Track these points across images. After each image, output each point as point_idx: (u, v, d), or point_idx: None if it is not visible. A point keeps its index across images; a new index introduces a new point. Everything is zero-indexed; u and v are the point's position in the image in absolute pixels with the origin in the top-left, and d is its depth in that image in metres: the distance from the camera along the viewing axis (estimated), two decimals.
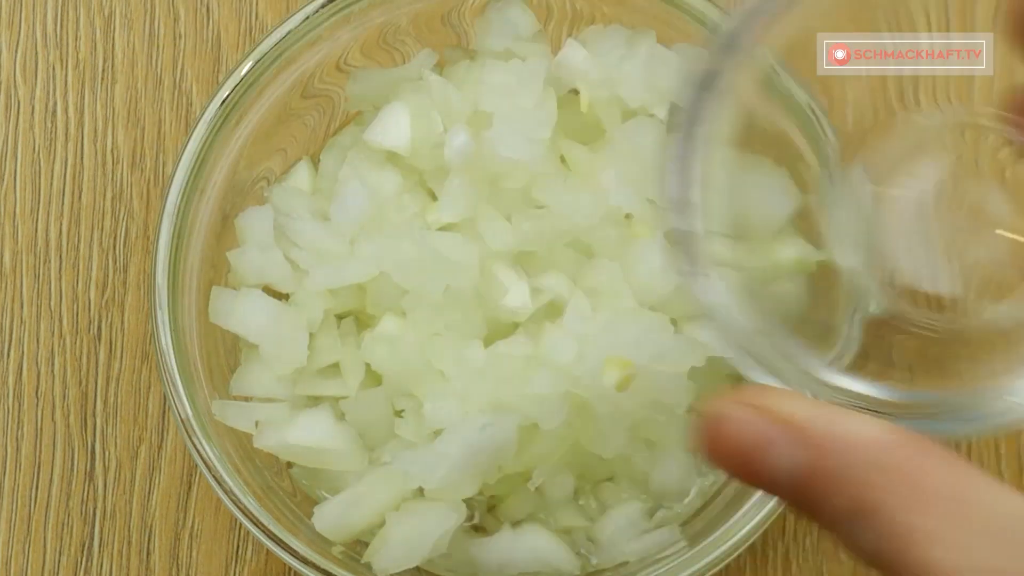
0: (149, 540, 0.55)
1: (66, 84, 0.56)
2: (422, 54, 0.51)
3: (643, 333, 0.46)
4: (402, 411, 0.49)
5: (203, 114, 0.48)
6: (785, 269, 0.39)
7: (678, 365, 0.47)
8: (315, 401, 0.50)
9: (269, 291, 0.50)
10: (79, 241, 0.56)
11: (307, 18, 0.48)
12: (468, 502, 0.49)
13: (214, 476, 0.47)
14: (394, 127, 0.50)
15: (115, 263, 0.56)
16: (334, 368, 0.50)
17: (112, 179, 0.56)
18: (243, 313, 0.49)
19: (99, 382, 0.55)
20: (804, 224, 0.38)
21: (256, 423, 0.49)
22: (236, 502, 0.47)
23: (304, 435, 0.49)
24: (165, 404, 0.54)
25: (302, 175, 0.53)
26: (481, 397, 0.47)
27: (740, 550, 0.47)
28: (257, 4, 0.56)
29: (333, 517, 0.48)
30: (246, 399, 0.50)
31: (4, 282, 0.56)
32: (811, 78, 0.37)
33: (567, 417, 0.47)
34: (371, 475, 0.49)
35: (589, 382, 0.46)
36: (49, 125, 0.56)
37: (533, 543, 0.50)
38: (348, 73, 0.52)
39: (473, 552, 0.50)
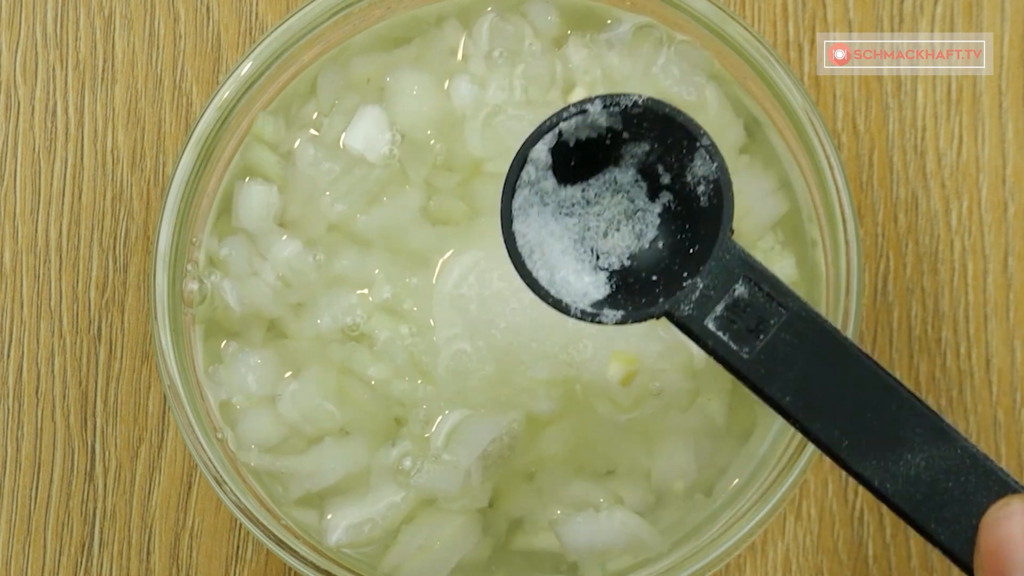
0: (149, 540, 0.55)
1: (66, 84, 0.56)
2: None
3: (648, 329, 0.46)
4: (402, 418, 0.49)
5: (203, 114, 0.48)
6: None
7: (681, 361, 0.47)
8: None
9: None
10: (79, 241, 0.56)
11: (307, 18, 0.48)
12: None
13: (214, 476, 0.47)
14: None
15: (115, 263, 0.56)
16: None
17: (112, 179, 0.56)
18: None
19: (99, 382, 0.55)
20: None
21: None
22: (236, 502, 0.47)
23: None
24: (165, 404, 0.54)
25: None
26: (478, 395, 0.47)
27: (740, 549, 0.47)
28: (257, 4, 0.56)
29: (342, 527, 0.48)
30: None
31: (4, 282, 0.56)
32: None
33: (564, 408, 0.47)
34: (380, 486, 0.48)
35: (593, 377, 0.46)
36: (49, 125, 0.56)
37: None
38: None
39: None
